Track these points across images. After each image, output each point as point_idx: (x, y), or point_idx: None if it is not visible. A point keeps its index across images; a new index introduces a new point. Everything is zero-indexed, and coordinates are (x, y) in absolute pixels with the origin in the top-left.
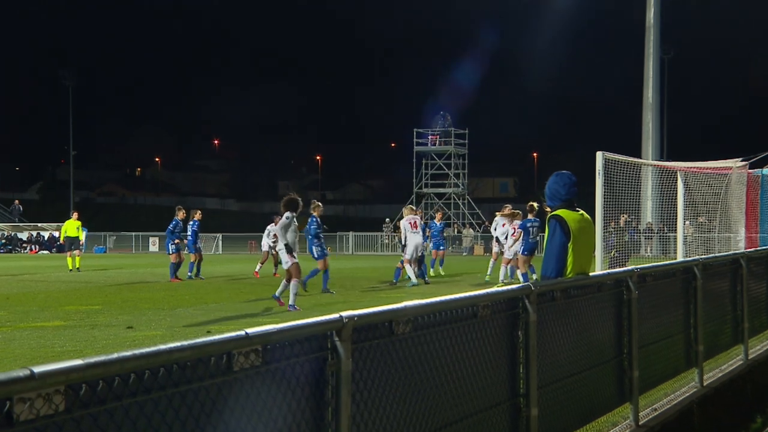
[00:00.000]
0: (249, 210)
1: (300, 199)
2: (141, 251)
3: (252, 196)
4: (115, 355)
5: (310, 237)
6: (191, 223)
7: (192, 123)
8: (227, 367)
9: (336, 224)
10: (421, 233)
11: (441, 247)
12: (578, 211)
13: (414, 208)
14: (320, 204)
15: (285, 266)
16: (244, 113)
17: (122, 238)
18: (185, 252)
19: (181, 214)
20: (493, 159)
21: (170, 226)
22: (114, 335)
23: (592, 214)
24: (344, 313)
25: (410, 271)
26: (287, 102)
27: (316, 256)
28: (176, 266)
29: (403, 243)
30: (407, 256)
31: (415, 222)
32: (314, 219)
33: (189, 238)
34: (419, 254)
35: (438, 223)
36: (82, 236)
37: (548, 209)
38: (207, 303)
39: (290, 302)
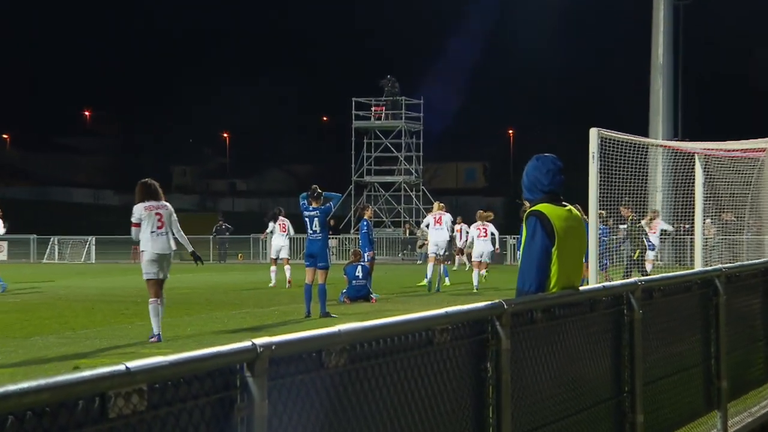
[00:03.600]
0: (132, 205)
1: None
2: None
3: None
4: None
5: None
6: None
7: (54, 86)
8: (100, 413)
9: (249, 223)
10: (445, 229)
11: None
12: (565, 205)
13: (443, 205)
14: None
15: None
16: (125, 74)
17: None
18: None
19: None
20: (456, 138)
21: None
22: None
23: (584, 209)
24: (258, 341)
25: (430, 270)
26: (187, 60)
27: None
28: None
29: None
30: (430, 253)
31: (440, 217)
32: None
33: None
34: (443, 253)
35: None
36: None
37: (526, 203)
38: (74, 329)
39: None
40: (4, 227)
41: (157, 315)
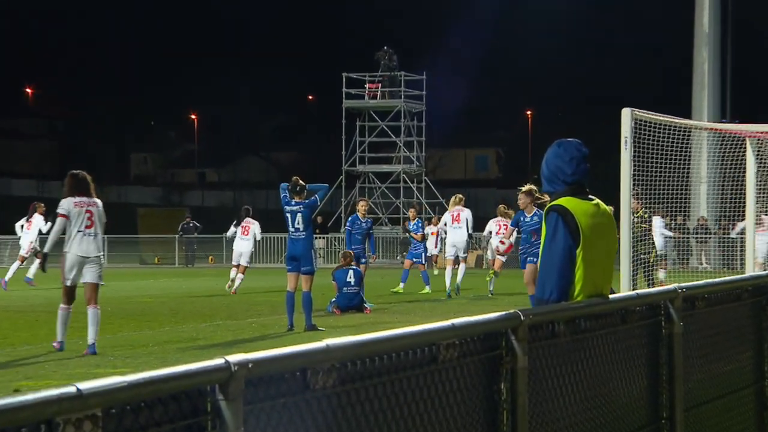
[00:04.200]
0: None
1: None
2: None
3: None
4: None
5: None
6: None
7: None
8: None
9: (221, 220)
10: (464, 228)
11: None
12: (591, 199)
13: (462, 197)
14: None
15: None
16: (78, 47)
17: None
18: None
19: None
20: (465, 120)
21: None
22: None
23: (614, 203)
24: (232, 358)
25: (448, 275)
26: (148, 27)
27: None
28: None
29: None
30: (447, 256)
31: (458, 214)
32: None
33: None
34: (463, 254)
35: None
36: None
37: (545, 197)
38: (14, 345)
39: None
40: (46, 225)
41: (65, 323)
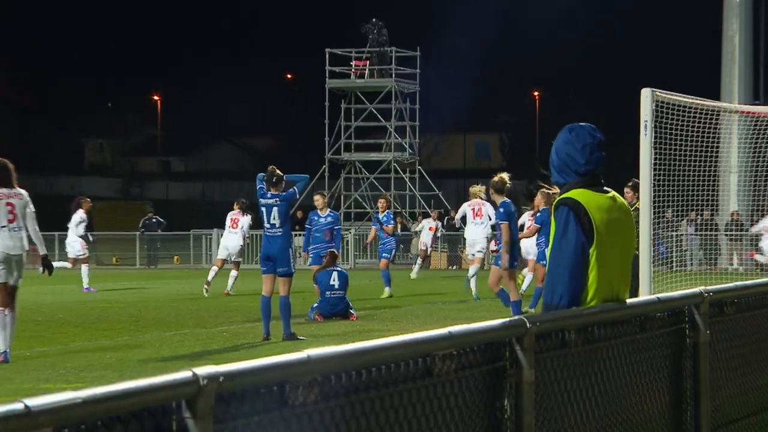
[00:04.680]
0: (37, 189)
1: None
2: None
3: (39, 165)
4: None
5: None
6: None
7: None
8: None
9: (188, 215)
10: (486, 224)
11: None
12: (607, 191)
13: (483, 188)
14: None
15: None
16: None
17: None
18: None
19: None
20: (464, 102)
21: None
22: None
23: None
24: (201, 370)
25: (472, 281)
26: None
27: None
28: None
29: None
30: (471, 256)
31: (479, 209)
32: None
33: None
34: (480, 253)
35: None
36: None
37: (553, 190)
38: None
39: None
40: (82, 223)
41: (5, 328)
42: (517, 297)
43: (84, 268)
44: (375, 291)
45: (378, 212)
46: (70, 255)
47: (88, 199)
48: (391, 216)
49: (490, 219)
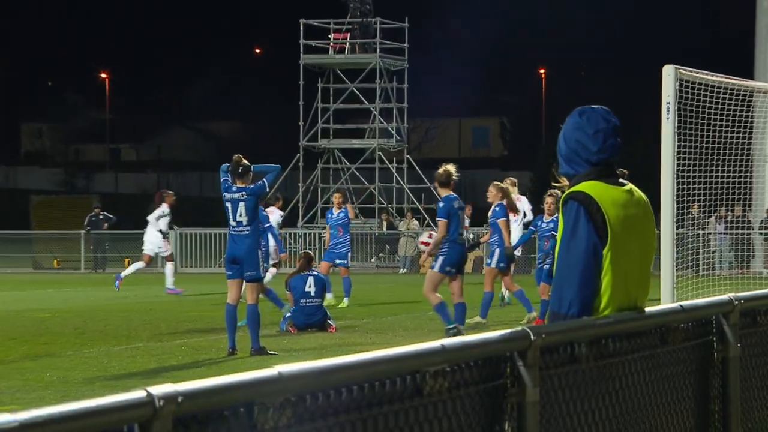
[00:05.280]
0: None
1: None
2: None
3: None
4: None
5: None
6: None
7: None
8: None
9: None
10: (519, 222)
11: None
12: (623, 184)
13: (516, 181)
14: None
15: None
16: None
17: None
18: None
19: None
20: (460, 81)
21: None
22: None
23: (653, 187)
24: (156, 389)
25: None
26: None
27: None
28: None
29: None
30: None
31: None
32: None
33: None
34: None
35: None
36: None
37: (562, 182)
38: None
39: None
40: (164, 218)
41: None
42: (444, 304)
43: (169, 266)
44: (357, 298)
45: (332, 209)
46: (147, 252)
47: (171, 192)
48: (346, 213)
49: (525, 215)
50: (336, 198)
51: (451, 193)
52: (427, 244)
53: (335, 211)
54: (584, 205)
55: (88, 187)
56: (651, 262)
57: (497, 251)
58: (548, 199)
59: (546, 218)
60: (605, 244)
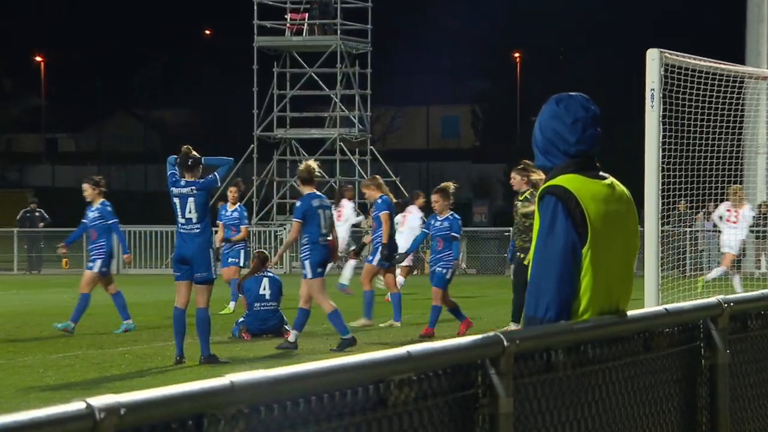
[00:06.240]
0: None
1: None
2: None
3: None
4: None
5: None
6: None
7: None
8: None
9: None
10: None
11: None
12: (604, 177)
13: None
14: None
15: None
16: None
17: None
18: None
19: None
20: (428, 66)
21: None
22: None
23: (635, 180)
24: (96, 400)
25: None
26: None
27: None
28: None
29: None
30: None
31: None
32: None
33: None
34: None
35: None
36: None
37: (538, 174)
38: None
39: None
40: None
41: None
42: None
43: (351, 262)
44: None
45: (226, 205)
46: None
47: (351, 186)
48: (242, 211)
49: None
50: (231, 192)
51: (314, 191)
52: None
53: (229, 208)
54: (562, 201)
55: (22, 180)
56: (634, 261)
57: (380, 248)
58: (435, 197)
59: (440, 217)
60: (585, 242)
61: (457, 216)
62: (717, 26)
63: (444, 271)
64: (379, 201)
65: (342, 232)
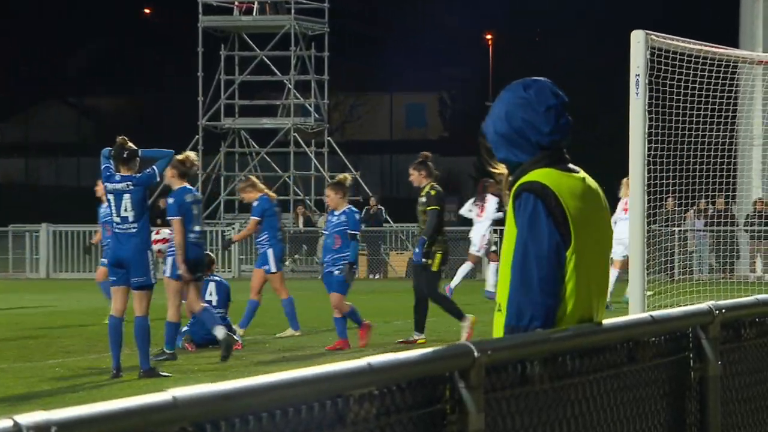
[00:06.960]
0: None
1: None
2: None
3: None
4: None
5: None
6: None
7: None
8: None
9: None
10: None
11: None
12: (576, 171)
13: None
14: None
15: None
16: None
17: None
18: None
19: None
20: (391, 49)
21: None
22: None
23: (618, 175)
24: (26, 418)
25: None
26: None
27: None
28: None
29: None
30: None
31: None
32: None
33: None
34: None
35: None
36: None
37: (500, 168)
38: None
39: None
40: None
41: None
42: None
43: (492, 266)
44: (266, 308)
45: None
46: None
47: (492, 180)
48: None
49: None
50: (99, 188)
51: (186, 184)
52: (165, 241)
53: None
54: (542, 198)
55: None
56: (608, 263)
57: (270, 253)
58: (328, 191)
59: (336, 212)
60: (568, 243)
61: (354, 209)
62: (708, 6)
63: (341, 274)
64: (255, 204)
65: (482, 229)
